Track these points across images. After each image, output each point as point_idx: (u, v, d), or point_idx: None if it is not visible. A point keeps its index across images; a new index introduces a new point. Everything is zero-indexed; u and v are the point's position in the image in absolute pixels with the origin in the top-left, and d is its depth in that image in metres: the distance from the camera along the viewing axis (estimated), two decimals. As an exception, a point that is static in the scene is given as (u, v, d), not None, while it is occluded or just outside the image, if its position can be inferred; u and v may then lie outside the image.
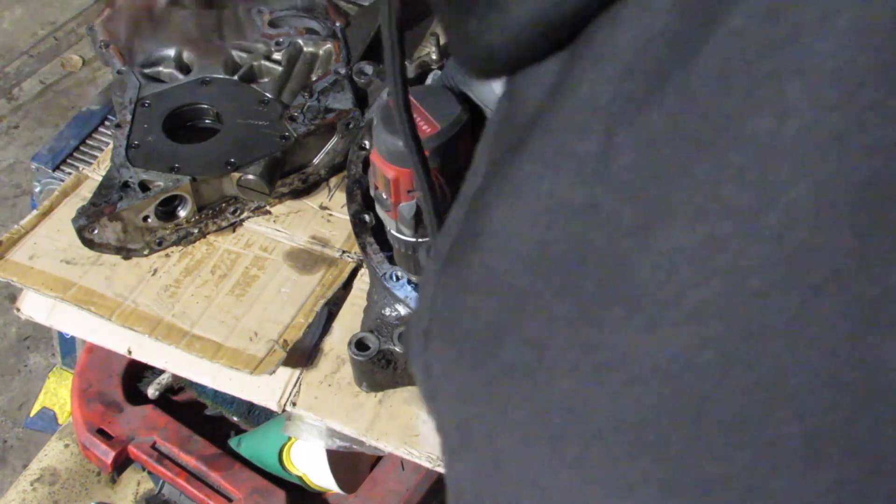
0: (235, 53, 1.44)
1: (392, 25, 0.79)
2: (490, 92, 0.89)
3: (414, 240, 0.95)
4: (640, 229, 0.35)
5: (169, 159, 1.26)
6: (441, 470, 1.10)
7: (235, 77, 1.40)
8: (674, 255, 0.34)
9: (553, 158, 0.39)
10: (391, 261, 1.11)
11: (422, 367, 0.47)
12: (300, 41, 1.44)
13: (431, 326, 0.46)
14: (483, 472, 0.43)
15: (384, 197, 0.91)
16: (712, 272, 0.33)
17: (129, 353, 1.24)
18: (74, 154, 1.68)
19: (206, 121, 1.38)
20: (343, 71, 1.38)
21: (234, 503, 1.38)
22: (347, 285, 1.26)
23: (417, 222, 0.91)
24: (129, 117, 1.32)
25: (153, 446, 1.44)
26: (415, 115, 0.87)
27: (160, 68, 1.43)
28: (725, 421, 0.34)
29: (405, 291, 1.12)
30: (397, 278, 1.12)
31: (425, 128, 0.86)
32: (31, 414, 2.05)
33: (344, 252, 1.29)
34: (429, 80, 1.16)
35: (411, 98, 0.88)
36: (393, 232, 0.96)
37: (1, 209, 2.64)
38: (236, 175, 1.25)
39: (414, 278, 1.09)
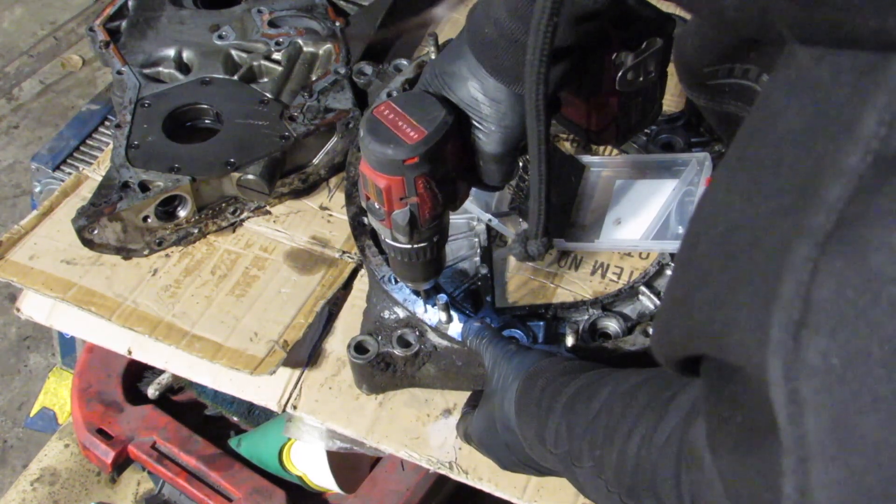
0: (235, 53, 1.44)
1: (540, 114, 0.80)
2: (468, 94, 0.89)
3: (409, 247, 0.96)
4: None
5: (169, 159, 1.26)
6: (443, 472, 1.10)
7: (235, 77, 1.40)
8: None
9: None
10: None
11: (783, 358, 0.45)
12: (300, 41, 1.44)
13: (809, 318, 0.44)
14: None
15: (376, 206, 0.91)
16: None
17: (129, 353, 1.24)
18: (74, 154, 1.68)
19: (206, 121, 1.38)
20: (343, 71, 1.38)
21: (234, 503, 1.38)
22: (347, 286, 1.26)
23: (412, 229, 0.92)
24: (129, 117, 1.32)
25: (153, 446, 1.44)
26: (400, 122, 0.87)
27: (160, 68, 1.43)
28: None
29: (403, 294, 1.12)
30: (396, 281, 1.12)
31: (412, 134, 0.86)
32: (31, 414, 2.05)
33: (344, 252, 1.29)
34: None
35: (394, 105, 0.88)
36: (388, 241, 0.97)
37: (1, 209, 2.64)
38: (236, 175, 1.25)
39: (410, 285, 1.09)
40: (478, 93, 0.89)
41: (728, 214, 0.54)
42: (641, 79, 0.95)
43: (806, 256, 0.44)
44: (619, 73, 0.93)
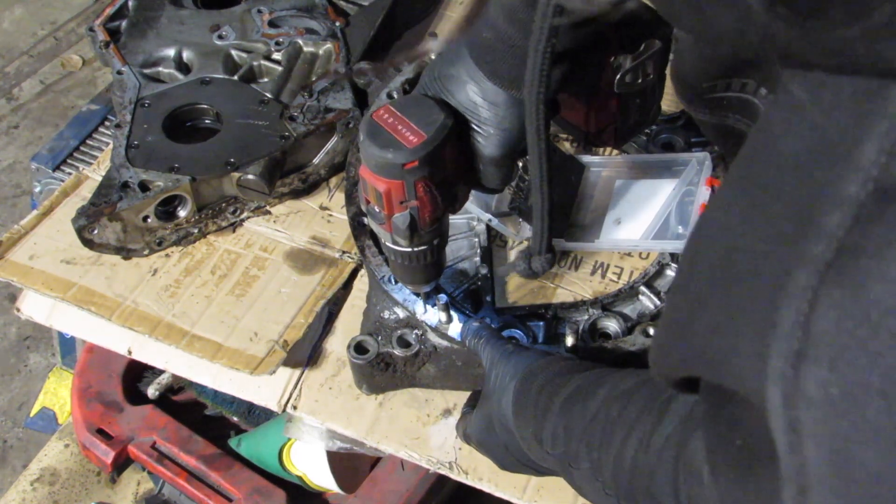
0: (235, 53, 1.44)
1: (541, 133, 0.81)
2: (466, 97, 0.90)
3: (409, 250, 0.96)
4: None
5: (169, 159, 1.26)
6: (443, 472, 1.10)
7: (235, 77, 1.40)
8: None
9: None
10: (391, 262, 1.11)
11: (783, 388, 0.45)
12: (300, 41, 1.44)
13: (808, 349, 0.44)
14: None
15: (377, 210, 0.91)
16: None
17: (129, 353, 1.24)
18: (74, 154, 1.68)
19: (206, 121, 1.37)
20: (343, 71, 1.38)
21: (234, 503, 1.38)
22: (347, 286, 1.26)
23: (412, 232, 0.92)
24: (129, 117, 1.32)
25: (153, 446, 1.44)
26: (399, 126, 0.87)
27: (160, 68, 1.43)
28: None
29: (403, 295, 1.12)
30: (396, 281, 1.12)
31: (412, 137, 0.87)
32: (31, 414, 2.05)
33: (344, 252, 1.29)
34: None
35: (393, 109, 0.89)
36: (389, 244, 0.97)
37: (1, 209, 2.64)
38: (236, 175, 1.25)
39: (410, 288, 1.09)
40: (476, 96, 0.89)
41: (728, 236, 0.54)
42: (640, 80, 0.95)
43: (805, 286, 0.44)
44: (618, 76, 0.93)
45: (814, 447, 0.44)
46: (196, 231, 1.29)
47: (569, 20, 0.77)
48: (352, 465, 1.39)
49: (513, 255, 1.24)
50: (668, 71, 1.00)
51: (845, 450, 0.43)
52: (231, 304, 1.22)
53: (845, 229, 0.43)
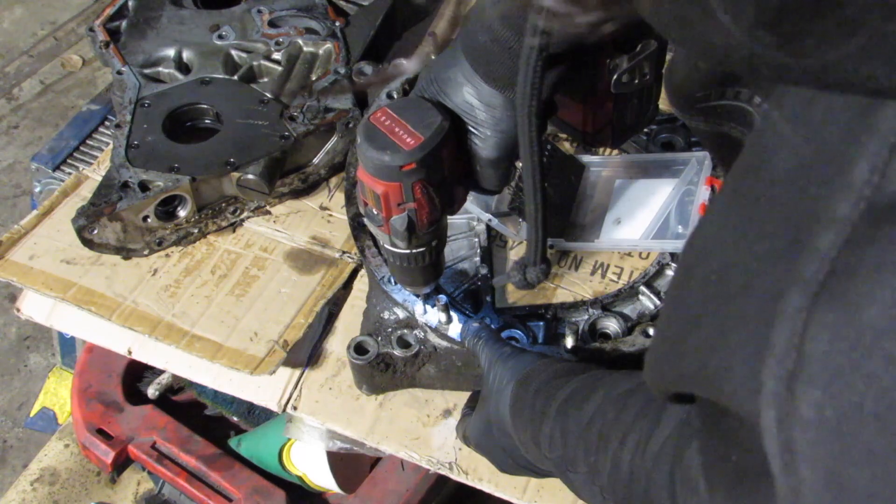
0: (235, 53, 1.44)
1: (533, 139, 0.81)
2: (463, 99, 0.90)
3: (408, 252, 0.96)
4: None
5: (169, 159, 1.26)
6: (443, 473, 1.10)
7: (235, 77, 1.40)
8: None
9: None
10: (391, 262, 1.11)
11: (777, 409, 0.45)
12: (300, 41, 1.44)
13: (802, 370, 0.43)
14: None
15: (375, 213, 0.91)
16: None
17: (129, 353, 1.24)
18: (74, 154, 1.67)
19: (206, 121, 1.37)
20: (343, 70, 1.38)
21: (234, 503, 1.38)
22: (347, 286, 1.26)
23: (410, 234, 0.92)
24: (129, 117, 1.32)
25: (153, 446, 1.44)
26: (397, 128, 0.87)
27: (160, 68, 1.43)
28: None
29: (403, 295, 1.12)
30: (395, 282, 1.12)
31: (409, 140, 0.87)
32: (31, 414, 2.05)
33: (344, 252, 1.29)
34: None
35: (391, 111, 0.89)
36: (387, 246, 0.97)
37: (1, 209, 2.64)
38: (236, 175, 1.25)
39: (410, 290, 1.09)
40: (473, 98, 0.89)
41: (721, 251, 0.54)
42: (637, 81, 0.95)
43: (798, 307, 0.44)
44: (615, 76, 0.93)
45: (808, 468, 0.44)
46: (196, 231, 1.29)
47: (554, 40, 0.77)
48: (352, 465, 1.39)
49: (513, 255, 1.24)
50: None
51: (839, 471, 0.43)
52: (231, 304, 1.22)
53: (837, 250, 0.43)
